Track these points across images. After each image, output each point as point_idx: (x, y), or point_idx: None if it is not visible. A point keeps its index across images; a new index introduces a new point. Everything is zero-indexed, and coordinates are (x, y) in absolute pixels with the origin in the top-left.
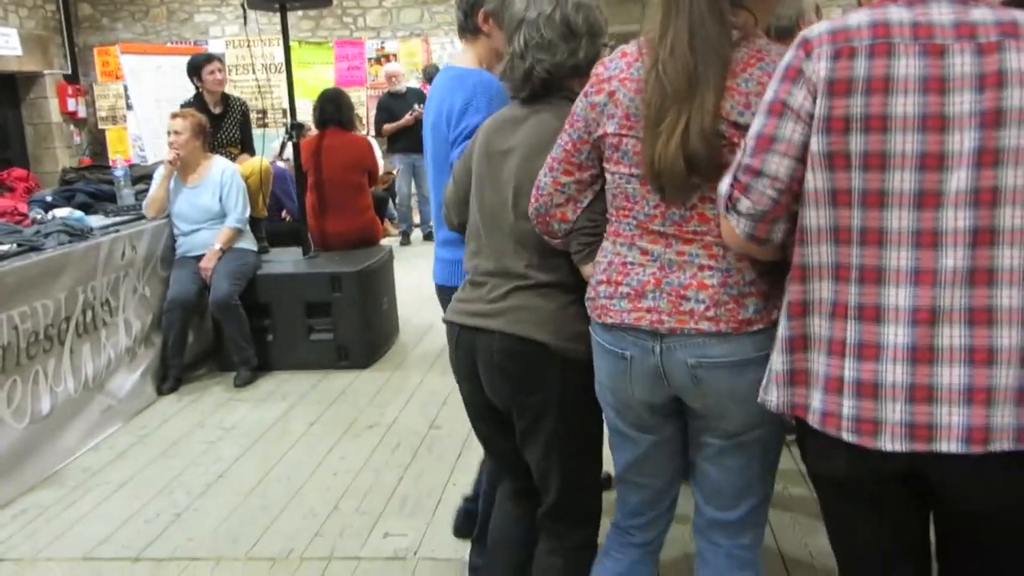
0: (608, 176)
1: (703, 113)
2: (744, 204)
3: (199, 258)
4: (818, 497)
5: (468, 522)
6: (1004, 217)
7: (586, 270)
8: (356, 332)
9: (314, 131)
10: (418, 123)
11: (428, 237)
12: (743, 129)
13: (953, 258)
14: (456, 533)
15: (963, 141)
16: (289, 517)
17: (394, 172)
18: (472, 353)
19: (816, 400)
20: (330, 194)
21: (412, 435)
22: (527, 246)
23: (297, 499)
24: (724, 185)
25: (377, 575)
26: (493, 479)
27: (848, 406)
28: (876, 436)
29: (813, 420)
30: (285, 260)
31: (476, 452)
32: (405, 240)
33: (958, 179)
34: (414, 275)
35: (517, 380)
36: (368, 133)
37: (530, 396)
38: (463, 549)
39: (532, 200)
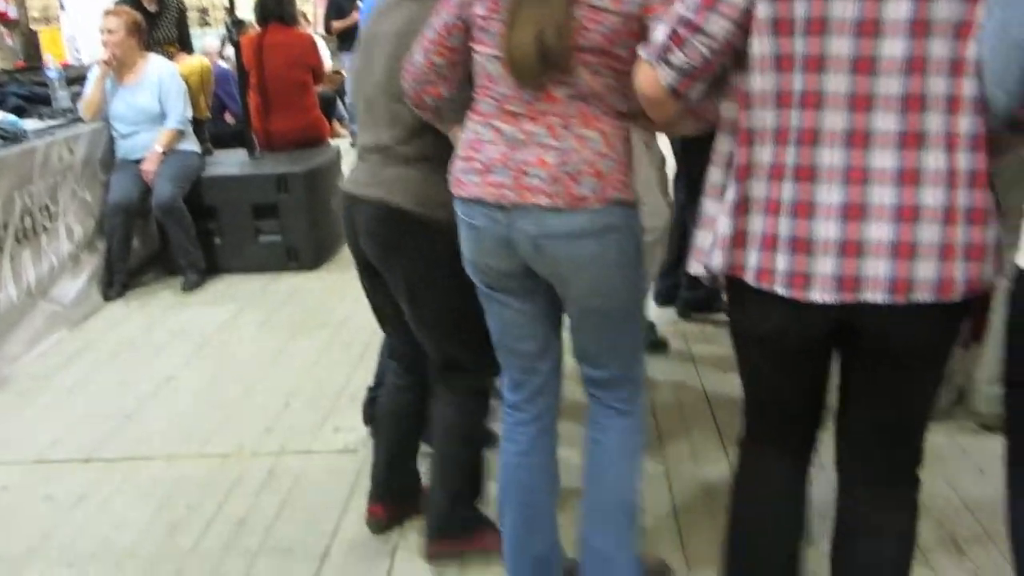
0: (474, 56)
1: (559, 4)
2: (678, 57)
3: (140, 161)
4: (737, 353)
5: (373, 407)
6: (931, 84)
7: (458, 136)
8: (304, 233)
9: (256, 28)
10: None
11: None
12: (600, 11)
13: (884, 120)
14: (365, 421)
15: (898, 9)
16: (240, 415)
17: (343, 71)
18: (353, 220)
19: (753, 258)
20: (273, 93)
21: (362, 332)
22: (399, 124)
23: (248, 397)
24: (660, 35)
25: (327, 468)
26: (384, 352)
27: (782, 262)
28: (808, 289)
29: (749, 277)
30: (230, 162)
31: None
32: (356, 140)
33: (891, 46)
34: None
35: (384, 243)
36: (317, 30)
37: (397, 258)
38: None
39: (406, 76)
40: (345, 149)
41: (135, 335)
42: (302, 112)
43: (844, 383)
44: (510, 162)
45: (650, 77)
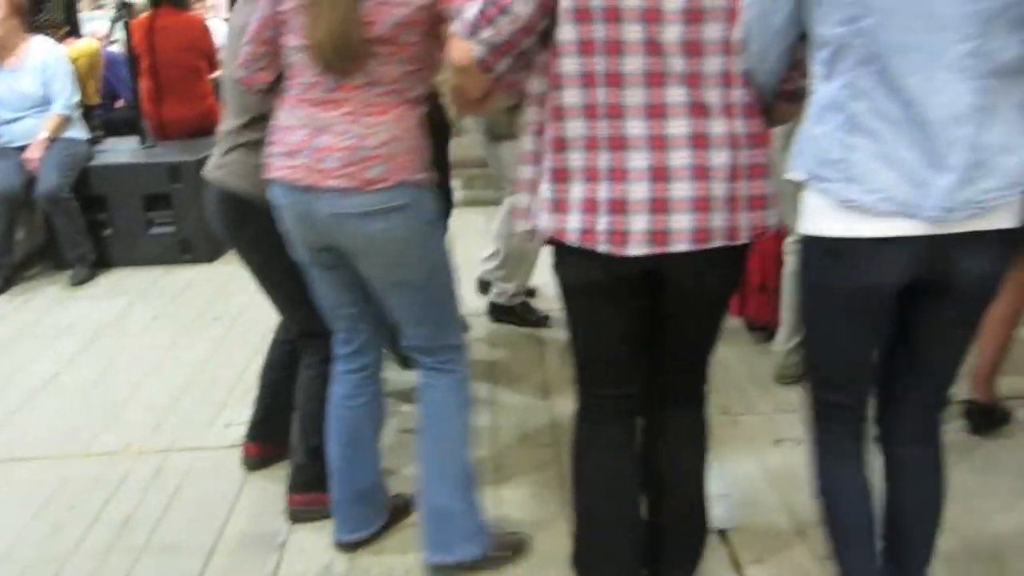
0: (284, 47)
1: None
2: (486, 33)
3: (24, 148)
4: (565, 303)
5: None
6: (708, 63)
7: None
8: (199, 225)
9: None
10: None
11: None
12: (390, 4)
13: (676, 94)
14: None
15: (674, 1)
16: (129, 412)
17: None
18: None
19: (574, 222)
20: (166, 79)
21: (258, 325)
22: (243, 110)
23: (138, 394)
24: (471, 13)
25: (217, 464)
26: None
27: (603, 222)
28: (625, 245)
29: (572, 239)
30: (121, 150)
31: None
32: None
33: (671, 31)
34: None
35: (227, 224)
36: (219, 16)
37: (239, 236)
38: None
39: (238, 64)
40: None
41: (20, 330)
42: (196, 99)
43: (653, 324)
44: (310, 146)
45: (462, 50)
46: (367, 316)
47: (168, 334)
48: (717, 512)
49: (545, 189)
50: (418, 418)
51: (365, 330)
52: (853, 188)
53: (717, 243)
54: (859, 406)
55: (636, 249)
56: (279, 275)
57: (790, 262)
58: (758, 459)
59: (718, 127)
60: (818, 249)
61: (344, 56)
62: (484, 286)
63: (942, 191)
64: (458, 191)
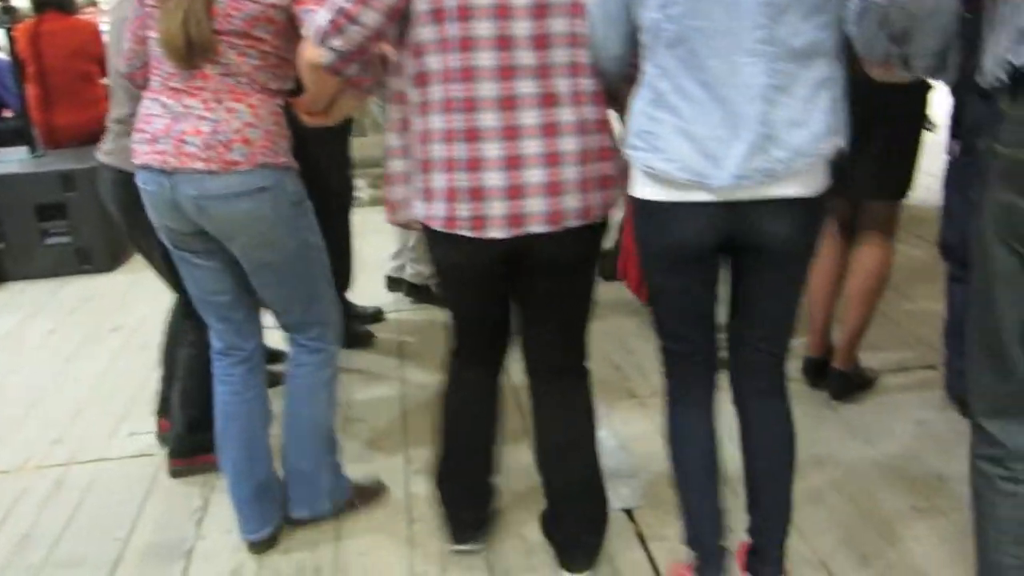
0: (149, 40)
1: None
2: (336, 42)
3: None
4: (440, 280)
5: None
6: (555, 55)
7: None
8: (97, 233)
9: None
10: None
11: None
12: (242, 0)
13: (526, 86)
14: None
15: None
16: (25, 428)
17: None
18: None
19: (439, 209)
20: (55, 85)
21: (159, 334)
22: (130, 98)
23: (36, 409)
24: (322, 20)
25: (121, 474)
26: None
27: (464, 209)
28: (485, 229)
29: (438, 225)
30: (9, 160)
31: None
32: None
33: (520, 27)
34: None
35: (120, 204)
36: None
37: (131, 216)
38: None
39: (121, 60)
40: None
41: None
42: (88, 105)
43: (518, 301)
44: (172, 132)
45: (313, 55)
46: (239, 305)
47: (66, 347)
48: (623, 492)
49: (415, 180)
50: (285, 388)
51: (239, 319)
52: (655, 157)
53: (571, 223)
54: (700, 355)
55: (495, 232)
56: (165, 255)
57: None
58: (663, 439)
59: (567, 115)
60: (638, 210)
61: (196, 49)
62: (393, 283)
63: (734, 161)
64: (364, 190)
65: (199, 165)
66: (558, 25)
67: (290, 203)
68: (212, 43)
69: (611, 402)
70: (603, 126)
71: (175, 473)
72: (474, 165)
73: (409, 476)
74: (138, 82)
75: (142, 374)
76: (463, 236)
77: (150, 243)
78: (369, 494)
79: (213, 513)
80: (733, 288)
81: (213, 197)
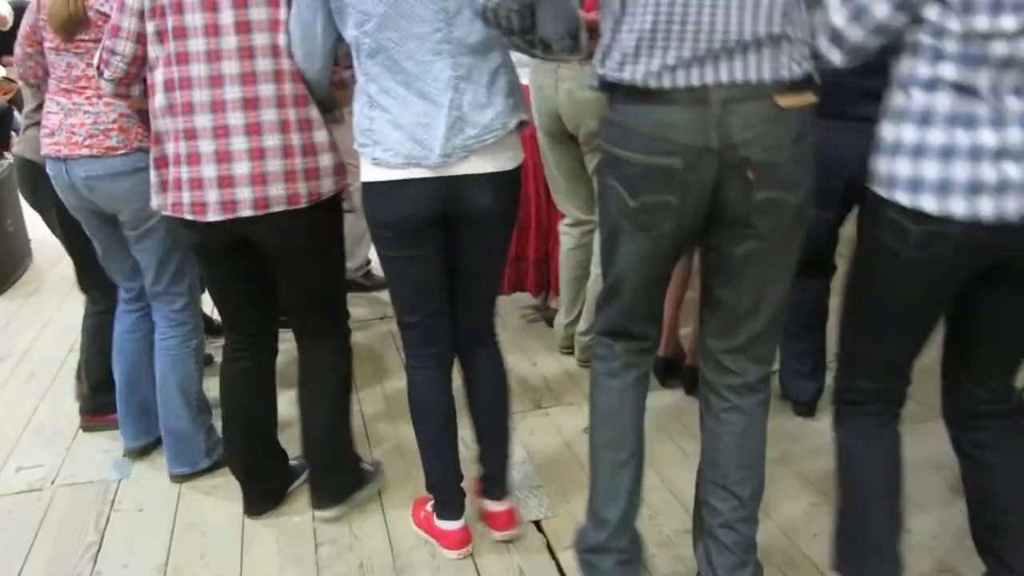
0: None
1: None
2: (107, 73)
3: None
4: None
5: None
6: (259, 64)
7: None
8: None
9: None
10: None
11: None
12: (105, 16)
13: (232, 92)
14: None
15: (227, 17)
16: None
17: (18, 82)
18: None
19: (170, 198)
20: None
21: (49, 362)
22: (32, 96)
23: None
24: (96, 59)
25: (8, 511)
26: None
27: (186, 197)
28: (204, 214)
29: (168, 212)
30: None
31: None
32: None
33: (227, 41)
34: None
35: (28, 188)
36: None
37: (37, 199)
38: (105, 469)
39: (16, 63)
40: None
41: None
42: None
43: (276, 279)
44: (63, 125)
45: (104, 85)
46: (137, 270)
47: None
48: (531, 503)
49: (151, 175)
50: (156, 357)
51: (139, 285)
52: (377, 149)
53: (276, 208)
54: (439, 322)
55: (213, 216)
56: (67, 234)
57: (565, 241)
58: (569, 449)
59: (269, 116)
60: (367, 193)
61: (70, 23)
62: None
63: (439, 142)
64: None
65: (84, 152)
66: (260, 39)
67: None
68: (85, 17)
69: (518, 414)
70: (308, 125)
71: (85, 429)
72: (194, 160)
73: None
74: (30, 81)
75: (29, 405)
76: (193, 221)
77: (50, 218)
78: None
79: (108, 547)
80: (451, 258)
81: (98, 177)
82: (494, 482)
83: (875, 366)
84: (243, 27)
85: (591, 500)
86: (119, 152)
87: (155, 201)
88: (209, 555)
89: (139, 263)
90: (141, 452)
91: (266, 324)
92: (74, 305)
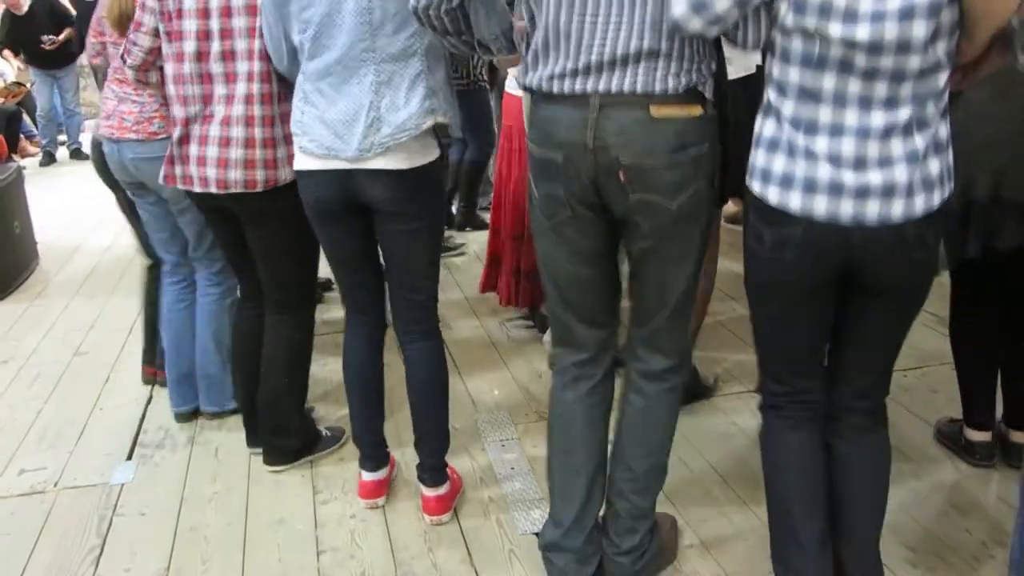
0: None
1: None
2: (128, 60)
3: None
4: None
5: None
6: (239, 66)
7: None
8: None
9: None
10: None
11: (76, 155)
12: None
13: (219, 89)
14: None
15: (215, 24)
16: None
17: (28, 85)
18: None
19: (179, 170)
20: None
21: (53, 364)
22: (99, 87)
23: None
24: (121, 48)
25: (11, 514)
26: None
27: (179, 171)
28: (193, 186)
29: (171, 183)
30: None
31: (125, 373)
32: (48, 160)
33: (216, 45)
34: (56, 196)
35: (96, 167)
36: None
37: (104, 180)
38: (107, 473)
39: (87, 54)
40: (33, 168)
41: None
42: None
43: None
44: (117, 111)
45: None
46: (176, 241)
47: None
48: (534, 516)
49: (170, 150)
50: (197, 312)
51: (175, 252)
52: (304, 139)
53: (236, 190)
54: (352, 295)
55: (196, 188)
56: (131, 209)
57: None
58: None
59: (238, 110)
60: (297, 175)
61: (123, 19)
62: None
63: (356, 139)
64: None
65: (131, 136)
66: (239, 44)
67: None
68: (132, 11)
69: (520, 426)
70: (270, 121)
71: (146, 381)
72: (185, 141)
73: (316, 506)
74: (98, 69)
75: (34, 408)
76: (187, 190)
77: (118, 195)
78: None
79: (110, 552)
80: (376, 244)
81: (143, 159)
82: (424, 468)
83: (773, 368)
84: (226, 33)
85: (550, 502)
86: (160, 137)
87: (163, 171)
88: (211, 561)
89: (182, 232)
90: (188, 416)
91: (252, 283)
92: (81, 305)
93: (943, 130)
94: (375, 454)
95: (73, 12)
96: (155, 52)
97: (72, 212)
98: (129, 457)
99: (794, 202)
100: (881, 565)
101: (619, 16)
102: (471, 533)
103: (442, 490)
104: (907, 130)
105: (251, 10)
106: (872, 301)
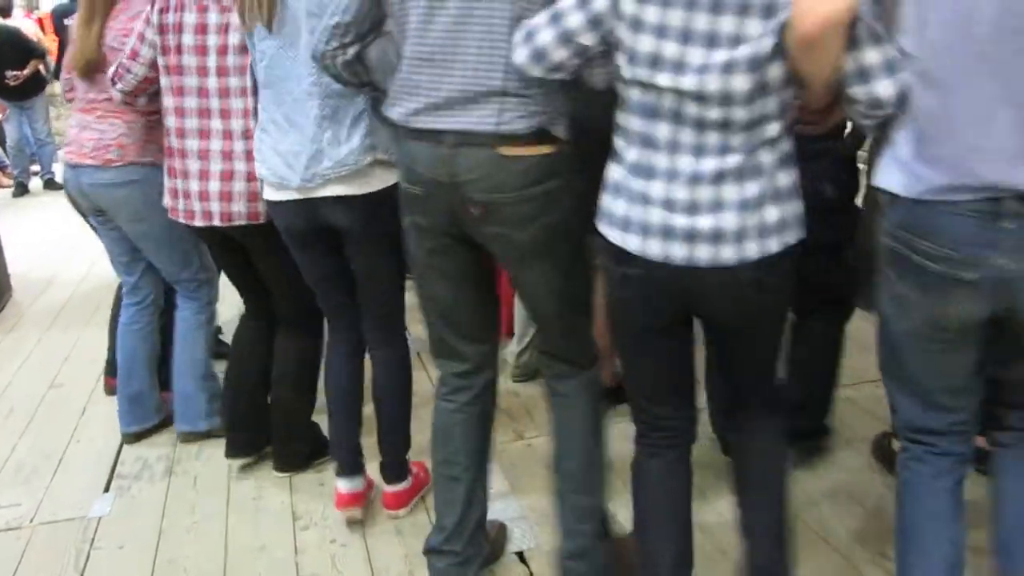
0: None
1: (90, 40)
2: (120, 86)
3: None
4: None
5: None
6: (213, 102)
7: None
8: None
9: None
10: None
11: (49, 184)
12: (117, 51)
13: (215, 124)
14: None
15: (194, 61)
16: None
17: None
18: None
19: (169, 202)
20: None
21: (28, 398)
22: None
23: None
24: (111, 72)
25: None
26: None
27: (177, 203)
28: (194, 220)
29: (172, 214)
30: None
31: (102, 404)
32: (21, 190)
33: (189, 80)
34: (30, 227)
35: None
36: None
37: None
38: (85, 507)
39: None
40: (6, 199)
41: None
42: None
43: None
44: (78, 138)
45: (115, 95)
46: (135, 265)
47: None
48: (515, 534)
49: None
50: (175, 333)
51: (137, 272)
52: (262, 167)
53: (239, 223)
54: (331, 313)
55: (198, 222)
56: None
57: None
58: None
59: (239, 146)
60: (271, 209)
61: (88, 66)
62: None
63: (300, 169)
64: None
65: (88, 161)
66: (235, 82)
67: (157, 193)
68: (102, 60)
69: (500, 444)
70: (249, 156)
71: (108, 392)
72: (174, 173)
73: (296, 532)
74: (68, 97)
75: (7, 442)
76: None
77: (87, 218)
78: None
79: None
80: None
81: (99, 184)
82: (385, 467)
83: (631, 395)
84: (222, 71)
85: (435, 508)
86: (115, 164)
87: (167, 203)
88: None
89: (143, 256)
90: (136, 437)
91: (262, 305)
92: (56, 337)
93: (784, 178)
94: (352, 461)
95: (40, 42)
96: (148, 81)
97: (46, 243)
98: (106, 489)
99: (632, 243)
100: (786, 560)
101: (472, 56)
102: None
103: (400, 486)
104: (739, 177)
105: (245, 49)
106: (725, 336)
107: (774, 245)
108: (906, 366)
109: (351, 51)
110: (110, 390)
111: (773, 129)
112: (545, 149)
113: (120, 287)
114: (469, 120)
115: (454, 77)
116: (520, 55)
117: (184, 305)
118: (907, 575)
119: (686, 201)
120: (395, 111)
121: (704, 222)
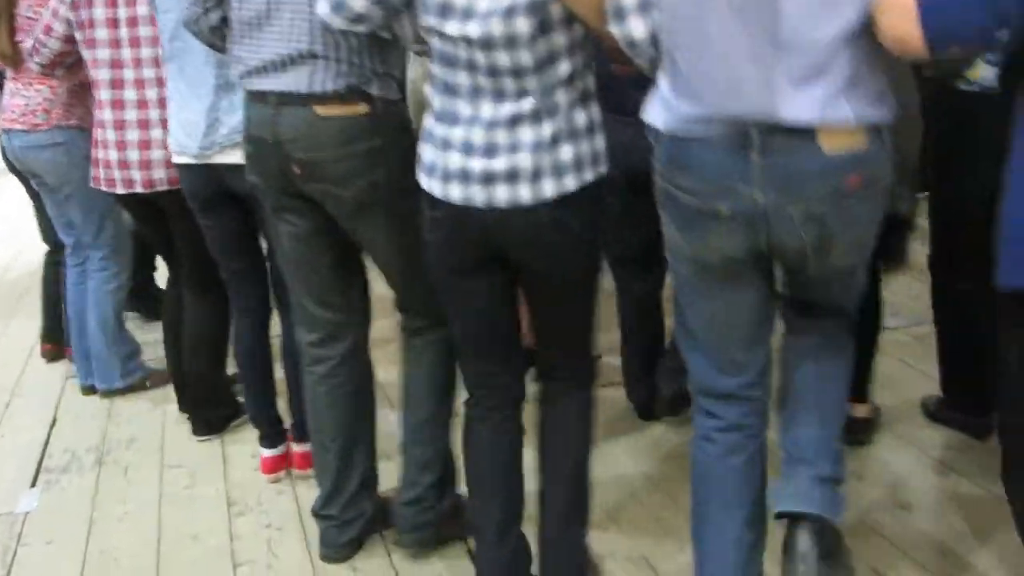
0: None
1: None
2: (36, 59)
3: None
4: None
5: None
6: (125, 73)
7: None
8: None
9: None
10: None
11: None
12: (32, 20)
13: (106, 94)
14: None
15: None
16: None
17: None
18: None
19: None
20: None
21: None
22: None
23: None
24: (28, 47)
25: None
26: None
27: (101, 172)
28: (115, 187)
29: (110, 187)
30: None
31: (28, 396)
32: None
33: (146, 52)
34: None
35: None
36: None
37: None
38: (11, 502)
39: None
40: None
41: None
42: None
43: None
44: (9, 104)
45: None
46: (70, 226)
47: None
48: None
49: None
50: (88, 298)
51: (73, 235)
52: (169, 136)
53: (161, 188)
54: (234, 281)
55: (120, 190)
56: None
57: None
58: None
59: (154, 114)
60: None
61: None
62: None
63: (199, 137)
64: None
65: (18, 126)
66: (146, 52)
67: (81, 155)
68: (14, 51)
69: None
70: (165, 123)
71: (47, 356)
72: (103, 145)
73: (231, 519)
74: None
75: None
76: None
77: (25, 183)
78: (161, 377)
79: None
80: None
81: (28, 148)
82: (296, 427)
83: (457, 345)
84: (133, 42)
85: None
86: (41, 128)
87: (92, 172)
88: None
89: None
90: (91, 390)
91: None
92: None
93: (580, 117)
94: (273, 432)
95: None
96: (63, 55)
97: None
98: (33, 484)
99: (437, 188)
100: (577, 539)
101: (286, 21)
102: (389, 536)
103: (309, 445)
104: (534, 119)
105: (155, 20)
106: (535, 282)
107: (571, 183)
108: (689, 318)
109: (213, 16)
110: (49, 356)
111: (565, 68)
112: (361, 108)
113: (49, 254)
114: (287, 81)
115: (271, 41)
116: (321, 6)
117: (95, 275)
118: (701, 560)
119: (483, 145)
120: (233, 72)
121: (499, 163)
